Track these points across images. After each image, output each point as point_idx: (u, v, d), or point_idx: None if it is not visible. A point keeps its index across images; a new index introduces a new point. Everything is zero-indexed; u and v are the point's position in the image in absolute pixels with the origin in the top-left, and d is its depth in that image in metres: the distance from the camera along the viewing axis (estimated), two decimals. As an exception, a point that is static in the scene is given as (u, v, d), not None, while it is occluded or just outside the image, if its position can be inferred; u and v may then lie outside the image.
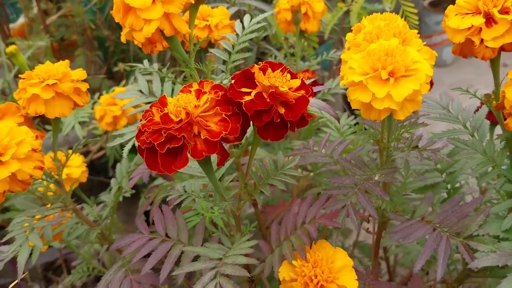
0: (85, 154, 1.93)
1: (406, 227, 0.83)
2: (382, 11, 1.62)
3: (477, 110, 1.10)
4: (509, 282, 0.71)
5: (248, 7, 1.63)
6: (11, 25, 2.37)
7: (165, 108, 0.69)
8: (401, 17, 1.45)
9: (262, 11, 1.60)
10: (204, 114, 0.68)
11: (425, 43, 0.76)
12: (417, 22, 1.43)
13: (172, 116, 0.67)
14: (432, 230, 0.81)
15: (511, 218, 0.77)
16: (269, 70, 0.72)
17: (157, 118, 0.68)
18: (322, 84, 1.37)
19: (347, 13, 1.81)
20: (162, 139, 0.65)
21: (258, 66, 0.72)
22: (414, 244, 1.24)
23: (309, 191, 1.48)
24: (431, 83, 1.28)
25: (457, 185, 1.05)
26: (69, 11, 2.10)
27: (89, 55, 2.14)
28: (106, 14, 2.02)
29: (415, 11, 1.43)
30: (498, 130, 0.96)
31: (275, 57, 1.68)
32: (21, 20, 2.45)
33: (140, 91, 1.13)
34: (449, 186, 1.02)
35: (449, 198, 0.89)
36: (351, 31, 0.87)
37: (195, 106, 0.68)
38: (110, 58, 2.26)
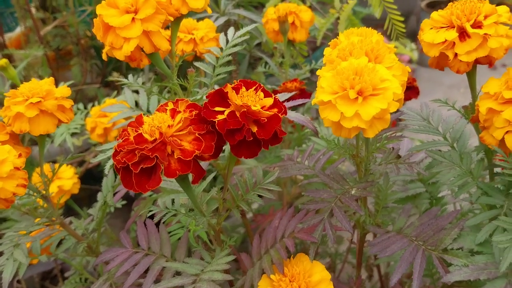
0: (81, 163, 1.95)
1: (384, 240, 0.84)
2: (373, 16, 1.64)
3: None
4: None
5: (238, 16, 1.64)
6: (10, 34, 2.39)
7: (140, 128, 0.71)
8: (388, 24, 1.47)
9: (252, 21, 1.61)
10: (178, 133, 0.70)
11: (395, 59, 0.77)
12: (403, 30, 1.44)
13: (147, 136, 0.69)
14: (408, 243, 0.82)
15: (485, 231, 0.78)
16: (243, 89, 0.73)
17: (131, 138, 0.69)
18: (309, 94, 1.39)
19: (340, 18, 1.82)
20: (136, 159, 0.67)
21: (232, 85, 0.73)
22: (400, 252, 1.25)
23: (300, 199, 1.49)
24: (417, 92, 1.29)
25: (441, 195, 1.05)
26: (64, 21, 2.12)
27: (85, 64, 2.16)
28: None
29: (402, 18, 1.44)
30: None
31: (266, 64, 1.69)
32: (20, 29, 2.47)
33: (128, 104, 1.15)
34: (431, 196, 1.03)
35: (427, 210, 0.89)
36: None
37: (169, 126, 0.69)
38: (105, 67, 2.28)
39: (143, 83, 1.04)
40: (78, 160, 1.92)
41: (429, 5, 3.72)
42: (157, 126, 0.69)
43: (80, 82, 2.16)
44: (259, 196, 0.84)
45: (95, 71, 2.40)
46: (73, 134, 1.64)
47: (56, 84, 0.97)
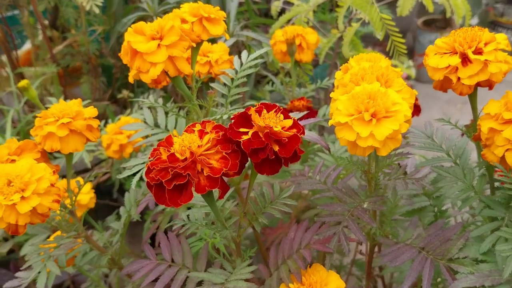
0: (91, 178, 2.00)
1: (394, 251, 0.90)
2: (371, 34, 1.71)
3: (463, 134, 1.17)
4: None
5: (245, 37, 1.71)
6: (18, 52, 2.46)
7: (171, 148, 0.77)
8: (390, 45, 1.54)
9: (259, 42, 1.68)
10: (206, 152, 0.76)
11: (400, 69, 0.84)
12: (405, 51, 1.51)
13: (178, 155, 0.75)
14: (417, 253, 0.88)
15: (488, 241, 0.85)
16: (264, 111, 0.79)
17: (164, 157, 0.75)
18: (317, 112, 1.45)
19: (341, 38, 1.90)
20: (169, 176, 0.73)
21: (254, 108, 0.79)
22: (408, 263, 1.31)
23: (307, 213, 1.55)
24: (419, 110, 1.36)
25: (444, 208, 1.12)
26: (74, 40, 2.19)
27: (94, 82, 2.23)
28: (111, 44, 2.11)
29: (403, 40, 1.51)
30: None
31: (272, 83, 1.76)
32: (27, 46, 2.54)
33: (145, 122, 1.21)
34: (436, 209, 1.09)
35: (434, 222, 0.95)
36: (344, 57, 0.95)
37: (198, 146, 0.75)
38: (114, 84, 2.34)
39: (155, 101, 1.10)
40: (94, 175, 1.97)
41: (425, 23, 3.82)
42: (188, 146, 0.75)
43: (90, 99, 2.22)
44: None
45: (102, 88, 2.47)
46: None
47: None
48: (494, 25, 4.12)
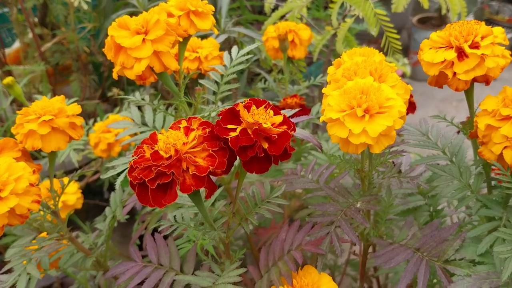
0: (81, 178, 1.96)
1: (388, 252, 0.87)
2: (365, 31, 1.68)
3: (459, 132, 1.14)
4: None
5: (237, 34, 1.68)
6: (7, 50, 2.41)
7: (155, 145, 0.73)
8: (385, 42, 1.51)
9: (251, 38, 1.65)
10: (192, 150, 0.72)
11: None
12: (400, 48, 1.48)
13: (162, 153, 0.71)
14: (412, 254, 0.85)
15: (485, 242, 0.82)
16: (254, 107, 0.76)
17: (147, 155, 0.72)
18: (309, 109, 1.42)
19: (335, 35, 1.87)
20: (152, 175, 0.69)
21: (243, 104, 0.76)
22: (403, 263, 1.28)
23: (301, 212, 1.52)
24: (414, 107, 1.33)
25: (440, 207, 1.09)
26: (63, 37, 2.15)
27: (84, 80, 2.19)
28: (100, 41, 2.08)
29: (398, 36, 1.48)
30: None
31: (265, 80, 1.73)
32: (17, 44, 2.49)
33: (133, 120, 1.18)
34: (431, 208, 1.06)
35: (429, 222, 0.93)
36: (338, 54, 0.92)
37: (184, 143, 0.72)
38: (104, 82, 2.30)
39: (142, 99, 1.06)
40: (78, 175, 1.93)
41: (420, 21, 3.80)
42: (173, 144, 0.71)
43: (80, 97, 2.18)
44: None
45: (93, 86, 2.43)
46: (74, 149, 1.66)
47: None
48: (489, 23, 4.09)
